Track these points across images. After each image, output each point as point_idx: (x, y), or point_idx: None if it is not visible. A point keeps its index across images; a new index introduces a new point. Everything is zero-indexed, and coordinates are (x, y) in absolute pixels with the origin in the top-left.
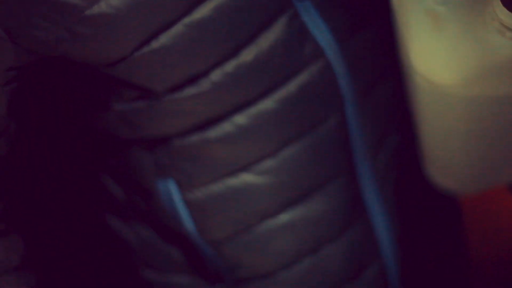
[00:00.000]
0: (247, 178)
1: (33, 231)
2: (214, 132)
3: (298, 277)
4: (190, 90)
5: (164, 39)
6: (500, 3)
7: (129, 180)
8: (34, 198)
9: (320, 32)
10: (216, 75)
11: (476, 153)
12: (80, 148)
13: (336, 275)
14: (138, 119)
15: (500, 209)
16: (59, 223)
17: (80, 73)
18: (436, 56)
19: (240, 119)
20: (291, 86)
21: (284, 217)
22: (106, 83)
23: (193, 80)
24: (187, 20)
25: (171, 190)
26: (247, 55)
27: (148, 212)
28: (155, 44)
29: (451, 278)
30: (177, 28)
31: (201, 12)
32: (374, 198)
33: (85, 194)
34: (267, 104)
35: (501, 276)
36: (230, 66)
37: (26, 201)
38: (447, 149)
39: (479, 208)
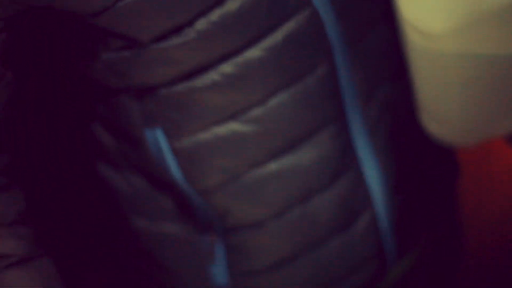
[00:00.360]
0: (234, 126)
1: (31, 185)
2: (201, 81)
3: (288, 227)
4: (175, 40)
5: None
6: None
7: (118, 129)
8: (30, 150)
9: None
10: (200, 24)
11: (471, 103)
12: (71, 97)
13: (326, 225)
14: (125, 68)
15: (496, 161)
16: (52, 175)
17: (67, 22)
18: (425, 4)
19: (227, 68)
20: (278, 35)
21: (272, 166)
22: (92, 33)
23: (177, 29)
24: None
25: (159, 139)
26: (232, 3)
27: (138, 161)
28: None
29: (445, 228)
30: None
31: None
32: (365, 148)
33: (77, 143)
34: (254, 53)
35: (496, 228)
36: (214, 15)
37: (24, 155)
38: (442, 99)
39: (474, 159)
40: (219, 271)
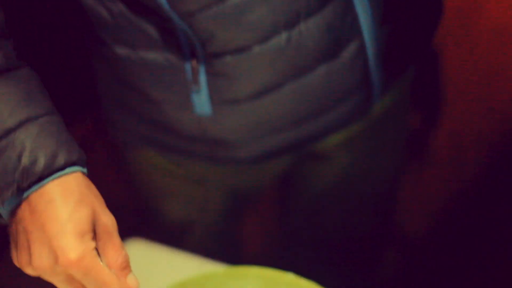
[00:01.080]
0: None
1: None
2: None
3: (273, 52)
4: None
5: None
6: None
7: None
8: None
9: None
10: None
11: None
12: None
13: (313, 52)
14: None
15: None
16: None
17: None
18: None
19: None
20: None
21: None
22: None
23: None
24: None
25: None
26: None
27: None
28: None
29: (428, 65)
30: None
31: None
32: None
33: None
34: None
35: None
36: None
37: None
38: None
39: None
40: (201, 99)
